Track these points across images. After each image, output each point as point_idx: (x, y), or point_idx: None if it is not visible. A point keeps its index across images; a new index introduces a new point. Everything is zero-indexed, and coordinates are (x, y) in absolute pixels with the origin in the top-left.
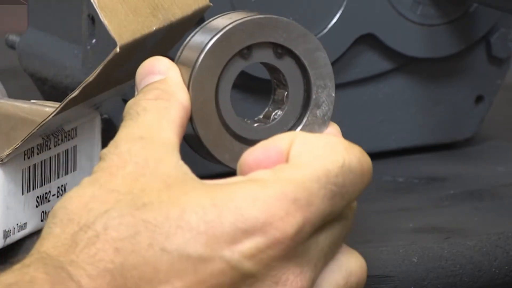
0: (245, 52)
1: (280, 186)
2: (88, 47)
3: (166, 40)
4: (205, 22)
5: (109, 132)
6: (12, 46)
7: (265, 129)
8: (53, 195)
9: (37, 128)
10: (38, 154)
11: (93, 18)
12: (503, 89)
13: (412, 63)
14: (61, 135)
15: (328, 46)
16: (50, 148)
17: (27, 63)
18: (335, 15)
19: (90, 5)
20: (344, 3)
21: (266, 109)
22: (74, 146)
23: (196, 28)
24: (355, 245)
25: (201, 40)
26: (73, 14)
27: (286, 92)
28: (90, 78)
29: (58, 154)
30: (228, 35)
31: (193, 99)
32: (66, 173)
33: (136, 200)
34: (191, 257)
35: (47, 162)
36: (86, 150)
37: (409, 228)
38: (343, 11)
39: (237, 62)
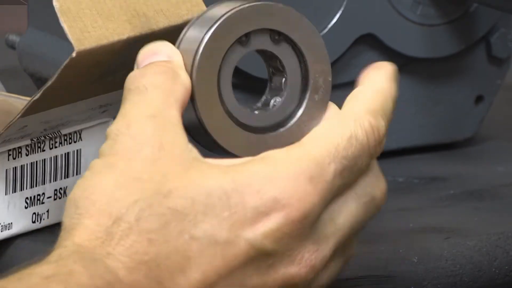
0: (243, 40)
1: (295, 164)
2: None
3: None
4: (204, 11)
5: None
6: (12, 46)
7: (267, 116)
8: (49, 197)
9: (3, 130)
10: (27, 155)
11: None
12: (503, 89)
13: (412, 63)
14: (59, 138)
15: (328, 46)
16: (44, 150)
17: (27, 63)
18: (335, 15)
19: None
20: (344, 3)
21: (264, 97)
22: (77, 150)
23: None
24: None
25: (201, 29)
26: None
27: (284, 78)
28: (49, 82)
29: (56, 157)
30: (227, 23)
31: (196, 87)
32: (67, 176)
33: (161, 187)
34: (219, 242)
35: (40, 164)
36: (96, 155)
37: (409, 228)
38: (343, 11)
39: (236, 50)
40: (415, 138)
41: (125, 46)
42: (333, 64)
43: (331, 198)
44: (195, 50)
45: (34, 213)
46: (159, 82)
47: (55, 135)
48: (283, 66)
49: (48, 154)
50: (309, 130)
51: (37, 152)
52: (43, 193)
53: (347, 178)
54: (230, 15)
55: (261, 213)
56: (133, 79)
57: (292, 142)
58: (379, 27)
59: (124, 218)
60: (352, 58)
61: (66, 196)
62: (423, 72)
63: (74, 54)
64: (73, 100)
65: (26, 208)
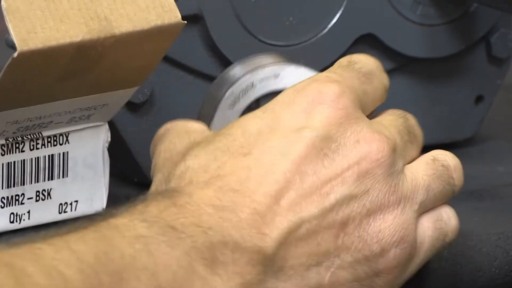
0: (253, 107)
1: (312, 78)
2: None
3: (124, 53)
4: (220, 75)
5: (112, 138)
6: (12, 46)
7: None
8: (29, 198)
9: None
10: (3, 155)
11: None
12: (503, 89)
13: (412, 63)
14: (41, 139)
15: (328, 46)
16: (23, 151)
17: None
18: (335, 15)
19: None
20: (344, 3)
21: None
22: (63, 152)
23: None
24: None
25: (212, 102)
26: None
27: None
28: None
29: (38, 158)
30: (231, 97)
31: None
32: (51, 178)
33: (198, 144)
34: (273, 150)
35: (18, 165)
36: (86, 159)
37: None
38: (343, 11)
39: None
40: None
41: (81, 49)
42: (333, 64)
43: (359, 95)
44: (208, 127)
45: (12, 213)
46: (173, 125)
47: (36, 136)
48: None
49: (28, 155)
50: None
51: (15, 152)
52: (23, 194)
53: (365, 83)
54: (230, 91)
55: (302, 115)
56: (153, 140)
57: None
58: (379, 27)
59: (174, 172)
60: None
61: (50, 198)
62: (423, 72)
63: (15, 55)
64: (37, 102)
65: (2, 207)
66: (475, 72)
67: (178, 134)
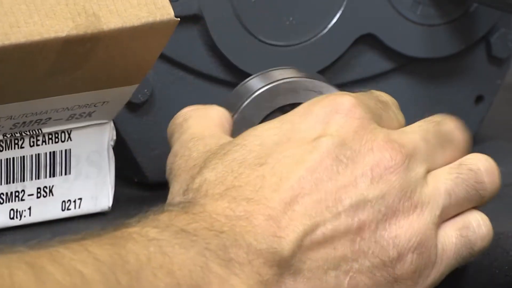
0: (287, 109)
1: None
2: None
3: (116, 50)
4: (246, 80)
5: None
6: None
7: None
8: (30, 195)
9: None
10: (1, 151)
11: None
12: (503, 89)
13: (412, 63)
14: (41, 136)
15: (328, 46)
16: (22, 147)
17: None
18: (335, 15)
19: None
20: (344, 3)
21: None
22: (65, 150)
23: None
24: None
25: (251, 86)
26: None
27: None
28: None
29: (38, 155)
30: (272, 91)
31: None
32: (53, 175)
33: (215, 155)
34: (288, 159)
35: (17, 161)
36: (90, 156)
37: None
38: (343, 11)
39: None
40: None
41: (68, 44)
42: (333, 64)
43: (371, 109)
44: (233, 116)
45: (12, 209)
46: (191, 114)
47: (36, 133)
48: None
49: (28, 151)
50: None
51: (14, 148)
52: (23, 190)
53: (383, 110)
54: (277, 85)
55: (319, 125)
56: (169, 125)
57: None
58: (379, 27)
59: (192, 186)
60: (352, 58)
61: (52, 195)
62: (423, 72)
63: None
64: (29, 97)
65: (1, 203)
66: (475, 72)
67: (192, 137)
